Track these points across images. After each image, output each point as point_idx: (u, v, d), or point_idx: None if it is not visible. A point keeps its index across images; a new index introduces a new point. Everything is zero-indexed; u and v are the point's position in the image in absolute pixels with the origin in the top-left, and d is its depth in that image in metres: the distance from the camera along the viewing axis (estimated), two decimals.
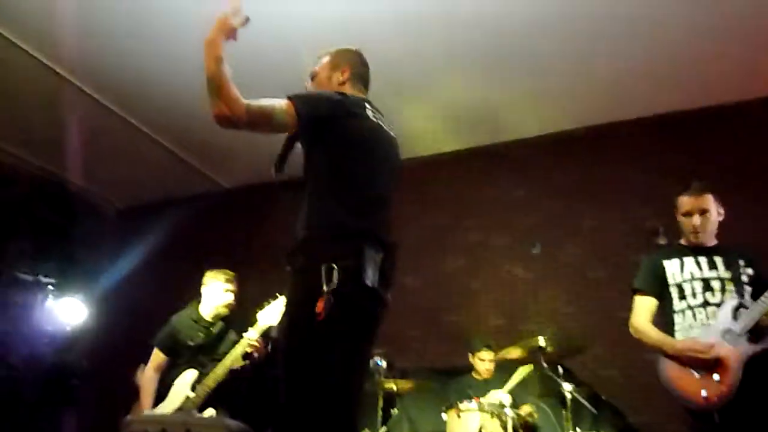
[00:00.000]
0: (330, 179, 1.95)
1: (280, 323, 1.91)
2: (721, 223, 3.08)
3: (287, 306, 1.89)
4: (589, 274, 5.29)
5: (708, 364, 2.67)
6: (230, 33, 1.99)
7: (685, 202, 3.04)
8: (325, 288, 1.72)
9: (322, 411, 1.75)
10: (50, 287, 5.11)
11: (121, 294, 6.92)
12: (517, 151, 6.01)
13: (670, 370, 2.83)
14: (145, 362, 5.08)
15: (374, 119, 2.13)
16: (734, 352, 2.66)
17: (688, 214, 3.01)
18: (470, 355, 4.57)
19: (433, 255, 5.96)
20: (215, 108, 1.83)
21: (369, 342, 1.99)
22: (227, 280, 3.93)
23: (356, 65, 2.30)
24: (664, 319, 3.02)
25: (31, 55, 4.87)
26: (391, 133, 2.22)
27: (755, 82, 5.02)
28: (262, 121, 1.90)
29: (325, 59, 2.32)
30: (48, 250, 6.36)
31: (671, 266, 3.03)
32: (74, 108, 5.53)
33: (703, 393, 2.65)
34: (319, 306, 1.70)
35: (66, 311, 5.20)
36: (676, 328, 2.93)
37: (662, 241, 5.05)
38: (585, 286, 5.26)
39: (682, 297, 2.95)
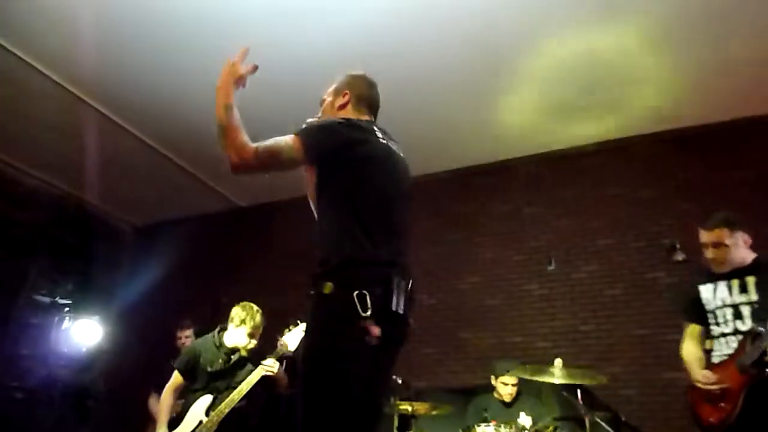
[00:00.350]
0: (349, 205, 1.95)
1: (302, 347, 1.90)
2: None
3: (311, 331, 1.89)
4: (605, 292, 5.24)
5: (718, 393, 2.86)
6: (239, 81, 2.05)
7: (701, 234, 3.17)
8: (362, 313, 1.75)
9: None
10: (67, 309, 5.15)
11: (137, 313, 6.96)
12: (529, 168, 6.00)
13: (692, 394, 3.06)
14: (160, 384, 5.10)
15: (383, 141, 2.12)
16: (739, 381, 2.79)
17: (704, 246, 3.13)
18: (493, 377, 4.52)
19: (448, 272, 5.94)
20: (227, 156, 1.91)
21: (392, 366, 2.01)
22: (253, 327, 3.87)
23: (358, 89, 2.29)
24: (708, 342, 3.17)
25: (51, 78, 4.95)
26: (401, 155, 2.22)
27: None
28: (271, 161, 1.93)
29: (332, 86, 2.35)
30: (67, 271, 6.42)
31: (706, 292, 3.15)
32: (92, 129, 5.62)
33: (711, 419, 2.90)
34: (375, 330, 1.75)
35: (82, 332, 5.23)
36: (714, 354, 3.07)
37: (679, 257, 4.98)
38: (601, 304, 5.21)
39: (717, 324, 3.08)
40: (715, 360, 3.02)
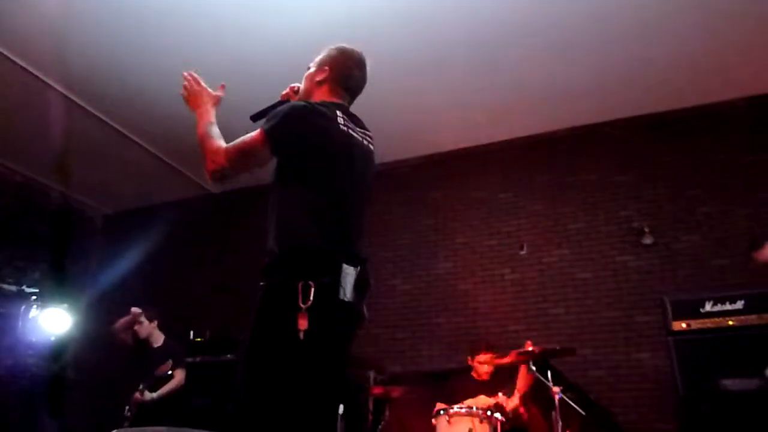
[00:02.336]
0: (302, 194, 1.92)
1: (248, 337, 1.84)
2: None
3: (258, 321, 1.83)
4: (576, 275, 5.32)
5: None
6: (217, 102, 2.19)
7: (759, 256, 3.60)
8: (302, 305, 1.72)
9: (292, 426, 1.74)
10: (34, 297, 5.06)
11: (108, 302, 6.87)
12: (502, 153, 6.03)
13: None
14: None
15: (344, 127, 2.04)
16: None
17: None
18: (469, 358, 4.57)
19: (422, 258, 5.97)
20: (205, 167, 1.97)
21: (343, 355, 1.95)
22: None
23: (341, 66, 2.20)
24: None
25: (15, 63, 4.81)
26: (365, 142, 2.14)
27: (739, 82, 5.07)
28: (242, 159, 1.95)
29: (319, 56, 2.26)
30: (34, 259, 6.29)
31: None
32: (59, 116, 5.47)
33: None
34: (303, 323, 1.70)
35: (51, 321, 5.14)
36: None
37: (648, 240, 5.11)
38: (572, 287, 5.29)
39: None
40: None
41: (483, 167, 6.07)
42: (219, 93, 2.21)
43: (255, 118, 2.21)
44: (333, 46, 2.25)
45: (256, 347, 1.80)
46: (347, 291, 1.83)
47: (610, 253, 5.26)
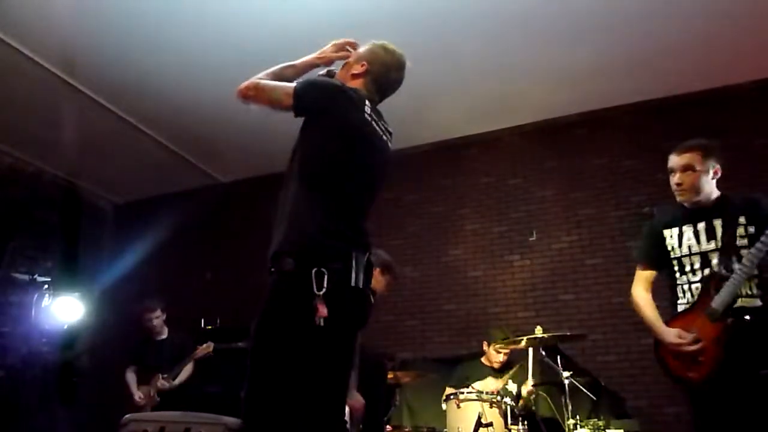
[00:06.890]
0: (317, 180, 1.92)
1: (258, 323, 1.83)
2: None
3: (270, 308, 1.82)
4: (585, 261, 5.30)
5: (693, 351, 2.65)
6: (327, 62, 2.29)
7: (669, 159, 2.89)
8: (316, 292, 1.72)
9: (302, 410, 1.76)
10: (46, 286, 5.11)
11: (119, 291, 6.93)
12: (512, 139, 6.00)
13: (663, 352, 2.84)
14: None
15: (368, 116, 2.05)
16: (714, 331, 2.59)
17: (671, 171, 2.86)
18: (485, 343, 4.58)
19: (432, 244, 5.97)
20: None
21: (353, 343, 1.97)
22: None
23: (379, 65, 2.18)
24: (670, 288, 2.91)
25: (25, 54, 4.81)
26: (384, 137, 2.15)
27: (749, 65, 5.01)
28: (261, 95, 2.00)
29: (361, 48, 2.26)
30: (46, 249, 6.34)
31: (671, 237, 2.87)
32: (70, 106, 5.48)
33: (690, 374, 2.68)
34: (323, 310, 1.71)
35: (63, 310, 5.19)
36: (679, 302, 2.82)
37: None
38: (582, 273, 5.28)
39: (683, 272, 2.82)
40: (681, 309, 2.80)
41: (493, 153, 6.04)
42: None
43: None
44: (377, 42, 2.25)
45: (268, 334, 1.80)
46: (358, 277, 1.84)
47: (621, 239, 5.24)
